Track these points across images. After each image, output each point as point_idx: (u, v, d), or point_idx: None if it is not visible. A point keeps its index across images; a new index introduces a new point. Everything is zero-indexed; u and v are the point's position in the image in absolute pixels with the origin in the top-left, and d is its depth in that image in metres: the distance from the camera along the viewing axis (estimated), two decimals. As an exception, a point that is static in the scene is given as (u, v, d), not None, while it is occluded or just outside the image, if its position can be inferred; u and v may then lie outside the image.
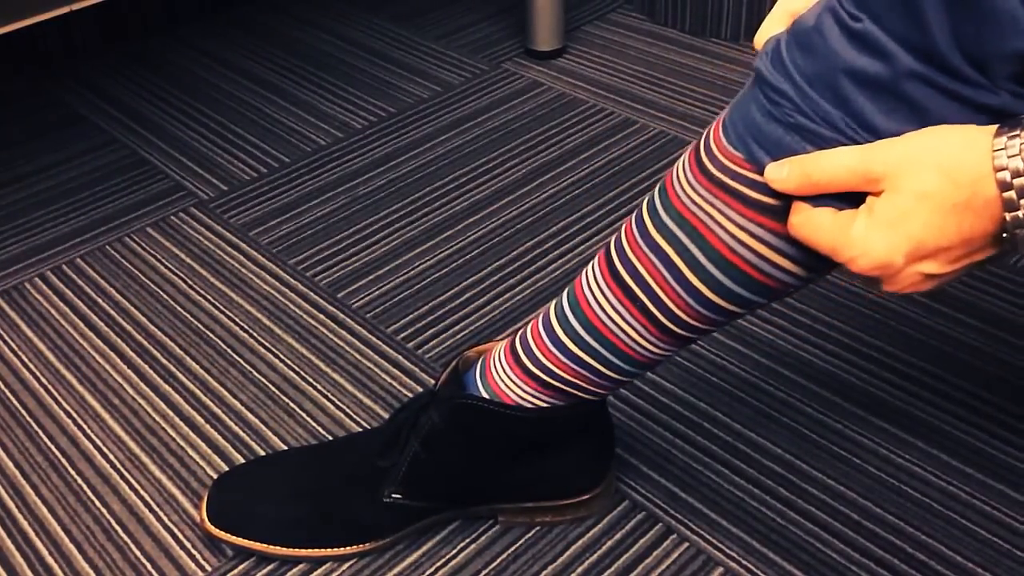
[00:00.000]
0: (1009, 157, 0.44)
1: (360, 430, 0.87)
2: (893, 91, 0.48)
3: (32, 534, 0.80)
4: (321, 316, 1.00)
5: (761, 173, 0.53)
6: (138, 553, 0.78)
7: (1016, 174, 0.44)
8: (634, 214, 0.63)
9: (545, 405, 0.69)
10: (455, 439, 0.71)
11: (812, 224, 0.51)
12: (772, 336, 0.94)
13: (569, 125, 1.29)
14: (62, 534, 0.79)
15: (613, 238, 0.64)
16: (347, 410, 0.89)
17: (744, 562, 0.74)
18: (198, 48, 1.55)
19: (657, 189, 0.61)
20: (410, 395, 0.90)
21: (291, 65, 1.48)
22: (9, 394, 0.93)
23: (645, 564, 0.75)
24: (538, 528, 0.78)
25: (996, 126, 0.45)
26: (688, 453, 0.83)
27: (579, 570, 0.74)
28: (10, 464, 0.86)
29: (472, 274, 1.05)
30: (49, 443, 0.87)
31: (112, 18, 1.55)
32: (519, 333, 0.70)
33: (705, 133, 0.58)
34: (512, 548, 0.76)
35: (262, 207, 1.17)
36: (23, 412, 0.91)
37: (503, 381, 0.69)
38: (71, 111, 1.39)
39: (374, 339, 0.97)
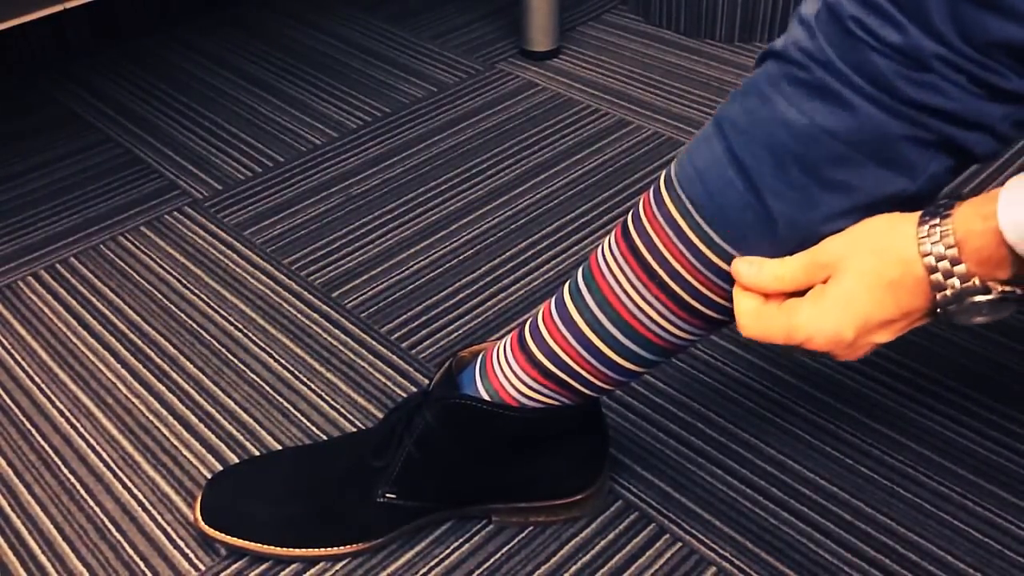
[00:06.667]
0: (932, 244, 0.48)
1: (354, 430, 0.87)
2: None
3: (25, 533, 0.79)
4: (315, 316, 1.00)
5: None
6: (131, 552, 0.78)
7: (939, 258, 0.48)
8: (653, 185, 0.61)
9: (544, 404, 0.68)
10: (448, 439, 0.71)
11: (764, 321, 0.55)
12: (765, 337, 0.94)
13: (563, 126, 1.29)
14: (55, 533, 0.79)
15: (631, 212, 0.62)
16: (341, 410, 0.89)
17: (737, 562, 0.75)
18: (192, 46, 1.55)
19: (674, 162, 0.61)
20: (404, 395, 0.90)
21: (286, 64, 1.48)
22: (2, 392, 0.93)
23: (638, 564, 0.75)
24: (531, 528, 0.78)
25: (919, 213, 0.49)
26: (681, 453, 0.84)
27: (572, 570, 0.75)
28: (3, 463, 0.85)
29: (466, 274, 1.05)
30: (42, 442, 0.87)
31: (105, 16, 1.54)
32: (528, 321, 0.69)
33: None
34: (505, 548, 0.76)
35: (256, 206, 1.17)
36: (16, 411, 0.91)
37: (505, 375, 0.69)
38: (64, 110, 1.39)
39: (368, 339, 0.97)
